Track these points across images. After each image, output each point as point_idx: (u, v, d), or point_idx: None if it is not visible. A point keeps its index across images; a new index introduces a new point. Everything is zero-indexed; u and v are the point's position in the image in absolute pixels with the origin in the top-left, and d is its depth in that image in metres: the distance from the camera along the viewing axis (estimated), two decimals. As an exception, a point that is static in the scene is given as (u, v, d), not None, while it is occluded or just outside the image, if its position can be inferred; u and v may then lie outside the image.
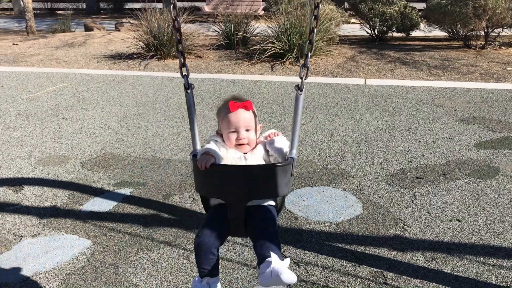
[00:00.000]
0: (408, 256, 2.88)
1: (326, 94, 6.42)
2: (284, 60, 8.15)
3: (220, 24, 9.84)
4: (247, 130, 2.07)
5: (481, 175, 3.91)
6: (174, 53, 8.83)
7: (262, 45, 8.26)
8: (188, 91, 2.03)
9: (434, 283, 2.63)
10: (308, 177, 3.92)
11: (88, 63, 8.88)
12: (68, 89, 6.89)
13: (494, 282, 2.63)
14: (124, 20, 13.77)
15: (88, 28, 13.57)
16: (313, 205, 3.49)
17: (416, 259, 2.85)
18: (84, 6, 20.48)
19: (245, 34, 9.36)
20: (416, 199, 3.55)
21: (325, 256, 2.89)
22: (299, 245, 3.01)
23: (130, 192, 3.74)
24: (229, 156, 2.05)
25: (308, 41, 1.97)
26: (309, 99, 6.12)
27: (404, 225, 3.22)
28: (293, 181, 2.13)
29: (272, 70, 7.96)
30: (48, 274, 2.75)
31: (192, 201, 3.57)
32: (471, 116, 5.38)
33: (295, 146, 2.01)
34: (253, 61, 8.32)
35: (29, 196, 3.69)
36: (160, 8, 9.57)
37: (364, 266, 2.79)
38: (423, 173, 3.96)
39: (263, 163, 2.08)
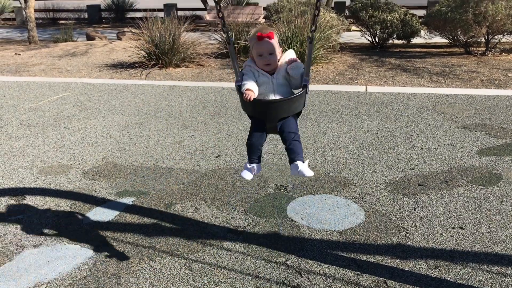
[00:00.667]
0: (411, 264, 2.87)
1: (327, 101, 6.43)
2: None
3: (221, 32, 9.87)
4: (270, 54, 2.58)
5: (483, 182, 3.90)
6: (175, 61, 8.87)
7: (263, 53, 8.28)
8: (230, 44, 2.62)
9: (437, 292, 2.62)
10: (310, 185, 3.91)
11: (90, 72, 8.91)
12: (70, 98, 6.91)
13: (497, 290, 2.62)
14: (125, 29, 13.85)
15: (90, 38, 13.64)
16: (315, 213, 3.49)
17: (419, 267, 2.84)
18: (86, 16, 20.59)
19: (246, 42, 9.39)
20: (419, 206, 3.55)
21: (328, 265, 2.88)
22: (301, 254, 3.00)
23: (132, 202, 3.74)
24: (261, 80, 2.60)
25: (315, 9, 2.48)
26: (310, 106, 6.13)
27: (407, 233, 3.21)
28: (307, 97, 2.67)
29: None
30: (50, 285, 2.74)
31: (193, 210, 3.57)
32: (472, 122, 5.38)
33: (309, 72, 2.60)
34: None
35: (31, 206, 3.69)
36: (161, 17, 9.62)
37: (367, 275, 2.78)
38: (425, 181, 3.96)
39: (285, 82, 2.63)
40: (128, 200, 3.76)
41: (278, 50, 2.64)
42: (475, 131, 5.10)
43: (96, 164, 4.48)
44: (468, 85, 7.20)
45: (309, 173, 2.58)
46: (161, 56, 8.79)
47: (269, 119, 2.61)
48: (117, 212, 3.58)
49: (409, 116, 5.67)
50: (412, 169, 4.19)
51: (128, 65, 9.17)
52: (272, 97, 2.60)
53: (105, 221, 3.46)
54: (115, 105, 6.48)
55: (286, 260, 2.93)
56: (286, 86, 2.64)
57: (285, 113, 2.60)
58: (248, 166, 2.70)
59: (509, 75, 7.72)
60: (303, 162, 2.61)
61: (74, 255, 3.02)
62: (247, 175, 2.68)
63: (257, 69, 2.63)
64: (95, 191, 3.92)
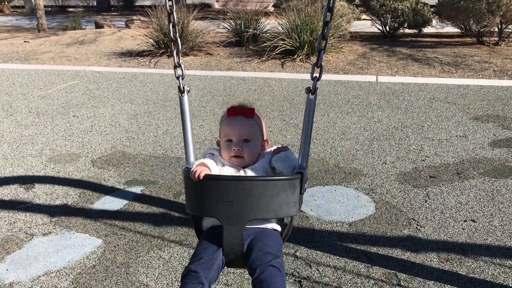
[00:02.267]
0: (422, 257, 2.83)
1: (337, 91, 6.37)
2: (295, 57, 8.10)
3: (230, 21, 9.80)
4: (245, 141, 1.86)
5: (496, 175, 3.84)
6: (184, 50, 8.82)
7: (272, 42, 8.22)
8: (183, 94, 1.88)
9: (449, 285, 2.58)
10: (319, 176, 3.88)
11: (98, 60, 8.89)
12: (79, 86, 6.91)
13: (511, 285, 2.58)
14: (134, 17, 13.80)
15: (98, 26, 13.62)
16: (324, 204, 3.45)
17: (430, 260, 2.80)
18: (95, 4, 20.55)
19: (255, 31, 9.32)
20: (430, 198, 3.50)
21: (338, 257, 2.86)
22: (311, 245, 2.97)
23: (141, 191, 3.72)
24: (226, 172, 1.85)
25: (321, 36, 1.73)
26: (320, 96, 6.07)
27: (418, 225, 3.17)
28: (302, 202, 1.86)
29: (282, 67, 7.92)
30: (59, 273, 2.74)
31: (202, 200, 3.55)
32: (485, 114, 5.30)
33: (305, 159, 1.79)
34: (263, 58, 8.27)
35: (40, 194, 3.69)
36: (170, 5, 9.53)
37: (377, 267, 2.75)
38: (437, 172, 3.91)
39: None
40: (137, 189, 3.75)
41: (258, 137, 1.91)
42: (488, 122, 5.03)
43: (105, 152, 4.47)
44: (480, 76, 7.09)
45: None
46: (170, 44, 8.73)
47: (234, 216, 1.67)
48: (126, 201, 3.57)
49: (420, 107, 5.60)
50: (423, 160, 4.14)
51: (136, 53, 9.14)
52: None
53: (113, 210, 3.45)
54: (123, 94, 6.46)
55: (296, 252, 2.91)
56: None
57: (259, 210, 1.69)
58: None
59: (523, 65, 7.59)
60: None
61: (83, 244, 3.02)
62: None
63: (221, 159, 1.91)
64: (104, 180, 3.91)
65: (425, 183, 3.73)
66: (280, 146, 1.93)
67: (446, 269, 2.72)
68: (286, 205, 1.74)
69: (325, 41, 1.74)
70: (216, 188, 1.69)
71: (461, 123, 5.03)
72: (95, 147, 4.61)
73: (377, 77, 7.14)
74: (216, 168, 1.84)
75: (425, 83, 6.65)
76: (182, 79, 1.89)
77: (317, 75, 1.75)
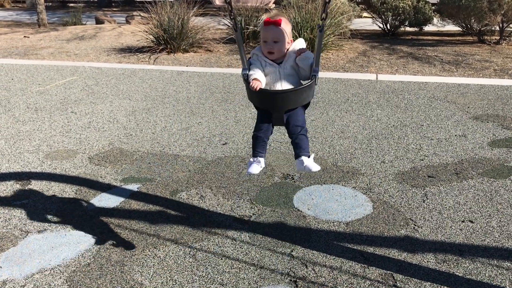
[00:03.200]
0: (419, 257, 2.82)
1: (337, 89, 6.34)
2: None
3: (229, 18, 9.75)
4: (275, 42, 2.47)
5: (495, 175, 3.82)
6: (184, 46, 8.79)
7: (272, 39, 8.17)
8: (237, 31, 2.50)
9: (445, 286, 2.56)
10: (317, 175, 3.86)
11: (98, 56, 8.86)
12: (78, 82, 6.88)
13: (508, 287, 2.56)
14: (134, 13, 13.75)
15: (99, 21, 13.57)
16: (322, 203, 3.43)
17: (427, 261, 2.78)
18: (95, -1, 20.49)
19: (255, 28, 9.28)
20: (428, 198, 3.48)
21: (334, 257, 2.84)
22: (307, 245, 2.95)
23: (137, 188, 3.70)
24: (268, 69, 2.52)
25: None
26: (319, 94, 6.05)
27: (415, 225, 3.15)
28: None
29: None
30: (53, 271, 2.73)
31: (199, 198, 3.53)
32: (485, 113, 5.27)
33: (319, 63, 2.47)
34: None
35: (37, 191, 3.67)
36: (171, 1, 9.52)
37: (374, 268, 2.73)
38: (435, 172, 3.88)
39: (293, 72, 2.54)
40: (133, 187, 3.73)
41: (287, 39, 2.51)
42: (487, 122, 5.00)
43: (102, 149, 4.45)
44: (481, 75, 7.06)
45: (315, 167, 2.52)
46: (170, 41, 8.71)
47: (276, 110, 2.52)
48: (122, 199, 3.55)
49: (420, 106, 5.57)
50: (422, 160, 4.12)
51: (136, 49, 9.11)
52: (279, 87, 2.51)
53: (110, 207, 3.43)
54: (122, 90, 6.43)
55: (292, 251, 2.89)
56: (294, 77, 2.54)
57: (292, 104, 2.51)
58: (253, 160, 2.61)
59: (523, 65, 7.56)
60: (309, 157, 2.54)
61: (78, 242, 3.00)
62: (255, 169, 2.59)
63: (264, 58, 2.53)
64: (101, 177, 3.90)
65: (423, 183, 3.71)
66: (301, 48, 2.53)
67: (443, 270, 2.71)
68: (307, 97, 2.54)
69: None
70: (267, 96, 2.49)
71: (460, 122, 5.00)
72: (93, 143, 4.59)
73: (377, 75, 7.10)
74: (263, 75, 2.50)
75: (425, 82, 6.62)
76: (234, 18, 2.50)
77: (325, 15, 2.37)
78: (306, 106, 2.65)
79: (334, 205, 3.41)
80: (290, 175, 3.86)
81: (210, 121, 5.15)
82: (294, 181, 3.75)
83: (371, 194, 3.56)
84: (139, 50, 9.04)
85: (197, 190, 3.65)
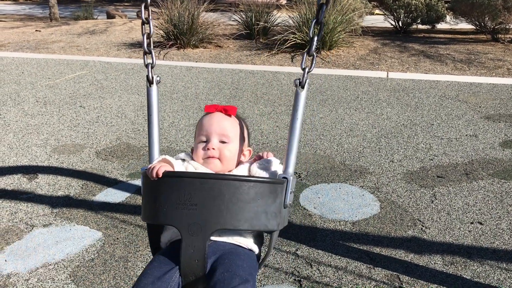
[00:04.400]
0: (426, 259, 2.77)
1: (347, 87, 6.28)
2: (305, 50, 7.98)
3: (241, 13, 9.73)
4: (222, 142, 1.61)
5: (505, 176, 3.75)
6: (193, 42, 8.77)
7: (282, 35, 8.14)
8: (152, 85, 1.63)
9: (452, 289, 2.52)
10: (324, 173, 3.82)
11: (108, 51, 8.88)
12: (87, 77, 6.89)
13: (516, 291, 2.51)
14: (145, 8, 13.75)
15: (110, 16, 13.61)
16: (328, 202, 3.40)
17: (434, 263, 2.74)
18: (107, -6, 20.55)
19: (266, 24, 9.24)
20: (436, 199, 3.43)
21: (339, 257, 2.80)
22: (312, 244, 2.92)
23: (143, 184, 3.69)
24: None
25: (314, 21, 1.58)
26: (328, 91, 5.99)
27: (423, 226, 3.10)
28: (288, 216, 1.60)
29: (292, 61, 7.84)
30: (57, 266, 2.72)
31: (205, 195, 3.51)
32: (496, 113, 5.19)
33: (291, 164, 1.50)
34: (273, 52, 8.20)
35: (43, 185, 3.68)
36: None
37: (379, 269, 2.69)
38: (445, 172, 3.83)
39: None
40: (139, 182, 3.72)
41: (237, 139, 1.64)
42: (499, 122, 4.92)
43: (110, 144, 4.45)
44: (494, 74, 6.96)
45: None
46: (180, 36, 8.70)
47: (198, 222, 1.35)
48: (128, 194, 3.54)
49: (431, 105, 5.50)
50: (431, 159, 4.06)
51: (146, 44, 9.10)
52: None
53: (115, 202, 3.43)
54: (131, 85, 6.43)
55: (297, 250, 2.86)
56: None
57: (234, 220, 1.37)
58: None
59: (538, 64, 7.43)
60: None
61: (83, 237, 3.00)
62: None
63: (195, 164, 1.61)
64: (107, 172, 3.89)
65: (432, 183, 3.66)
66: (261, 153, 1.66)
67: (450, 272, 2.66)
68: (264, 215, 1.41)
69: (319, 26, 1.56)
70: (177, 188, 1.38)
71: (471, 122, 4.93)
72: (100, 138, 4.59)
73: (387, 73, 7.03)
74: (182, 168, 1.57)
75: (437, 80, 6.54)
76: (152, 67, 1.65)
77: (309, 64, 1.58)
78: (260, 260, 1.58)
79: (340, 204, 3.37)
80: (297, 172, 3.83)
81: (218, 117, 5.13)
82: (301, 179, 3.72)
83: (378, 193, 3.52)
84: (149, 45, 9.03)
85: (203, 187, 3.63)
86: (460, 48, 8.64)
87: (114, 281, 2.60)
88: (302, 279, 2.60)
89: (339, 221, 3.17)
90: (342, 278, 2.61)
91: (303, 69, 1.57)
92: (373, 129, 4.76)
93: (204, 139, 1.62)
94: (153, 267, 1.40)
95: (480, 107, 5.39)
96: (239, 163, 1.66)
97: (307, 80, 1.56)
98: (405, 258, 2.78)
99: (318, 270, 2.68)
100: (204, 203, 1.36)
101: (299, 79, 1.56)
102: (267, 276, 2.63)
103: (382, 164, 3.99)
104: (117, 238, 2.98)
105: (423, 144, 4.37)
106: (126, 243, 2.93)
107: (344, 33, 8.40)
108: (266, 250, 1.61)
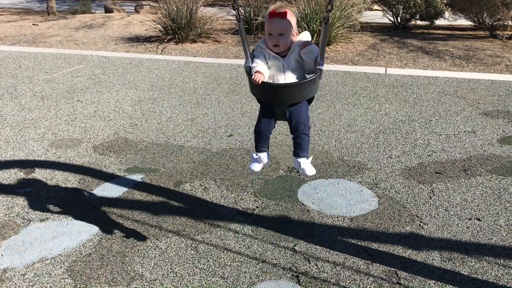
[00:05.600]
0: (424, 255, 2.77)
1: (345, 82, 6.27)
2: None
3: (240, 8, 9.66)
4: (280, 35, 2.39)
5: (503, 172, 3.75)
6: (192, 37, 8.73)
7: (281, 30, 8.08)
8: (240, 21, 2.41)
9: (450, 285, 2.52)
10: (322, 169, 3.81)
11: (106, 45, 8.84)
12: (85, 71, 6.86)
13: (514, 287, 2.51)
14: (144, 2, 13.69)
15: (108, 10, 13.54)
16: (326, 198, 3.39)
17: (432, 259, 2.74)
18: (105, -12, 20.42)
19: (264, 19, 9.18)
20: (434, 195, 3.42)
21: (337, 252, 2.80)
22: (310, 240, 2.92)
23: (141, 178, 3.68)
24: (271, 62, 2.44)
25: None
26: (327, 87, 5.98)
27: (421, 222, 3.10)
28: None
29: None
30: (54, 261, 2.71)
31: (203, 190, 3.50)
32: (495, 109, 5.18)
33: (323, 56, 2.39)
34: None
35: (40, 179, 3.66)
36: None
37: (377, 265, 2.69)
38: (443, 168, 3.82)
39: (297, 66, 2.45)
40: (137, 177, 3.70)
41: (292, 31, 2.44)
42: (497, 118, 4.92)
43: (107, 139, 4.43)
44: (492, 70, 6.95)
45: (310, 171, 2.54)
46: (178, 30, 8.66)
47: (278, 105, 2.45)
48: (125, 189, 3.53)
49: (429, 101, 5.49)
50: (430, 155, 4.05)
51: (144, 39, 9.07)
52: (282, 80, 2.43)
53: (113, 197, 3.42)
54: (129, 80, 6.40)
55: (295, 246, 2.86)
56: (298, 70, 2.46)
57: (296, 99, 2.44)
58: (256, 156, 2.56)
59: (536, 61, 7.43)
60: (307, 159, 2.53)
61: (80, 231, 2.99)
62: (256, 167, 2.57)
63: (268, 51, 2.46)
64: (105, 167, 3.87)
65: (430, 179, 3.65)
66: (306, 41, 2.44)
67: (448, 268, 2.66)
68: (311, 91, 2.45)
69: None
70: (269, 90, 2.42)
71: (470, 118, 4.92)
72: (98, 132, 4.57)
73: (386, 69, 7.02)
74: (266, 68, 2.43)
75: (435, 76, 6.53)
76: (240, 11, 2.44)
77: (330, 7, 2.25)
78: (310, 101, 2.57)
79: (339, 200, 3.37)
80: (295, 168, 3.81)
81: (216, 112, 5.11)
82: (299, 175, 3.71)
83: (377, 189, 3.51)
84: (147, 39, 9.00)
85: (201, 182, 3.62)
86: (459, 44, 8.63)
87: (111, 276, 2.59)
88: (300, 275, 2.60)
89: (337, 217, 3.16)
90: (340, 274, 2.61)
91: (327, 11, 2.25)
92: (371, 125, 4.75)
93: (270, 32, 2.41)
94: (264, 116, 2.51)
95: (478, 103, 5.39)
96: (291, 44, 2.44)
97: (329, 19, 2.29)
98: (403, 254, 2.78)
99: (316, 265, 2.67)
100: (283, 96, 2.41)
101: (325, 17, 2.27)
102: (264, 272, 2.62)
103: (381, 160, 3.99)
104: (115, 233, 2.97)
105: (422, 140, 4.37)
106: (123, 238, 2.92)
107: (343, 28, 8.37)
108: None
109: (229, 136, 4.49)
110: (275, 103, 2.45)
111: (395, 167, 3.85)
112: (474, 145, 4.25)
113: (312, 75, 2.44)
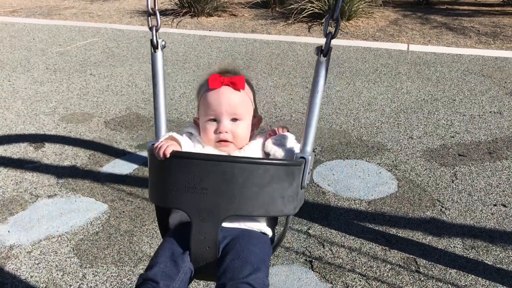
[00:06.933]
0: (445, 242, 2.63)
1: (366, 59, 6.04)
2: (323, 21, 7.72)
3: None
4: (233, 120, 1.49)
5: (531, 156, 3.56)
6: (208, 10, 8.53)
7: (300, 4, 7.84)
8: (157, 50, 1.50)
9: (472, 275, 2.38)
10: (340, 149, 3.66)
11: (121, 18, 8.69)
12: (99, 44, 6.74)
13: (541, 279, 2.37)
14: (160, -25, 13.45)
15: (123, -18, 13.34)
16: (343, 179, 3.25)
17: (454, 247, 2.59)
18: (122, -40, 20.18)
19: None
20: (457, 179, 3.26)
21: (353, 237, 2.67)
22: (325, 223, 2.79)
23: (152, 155, 3.58)
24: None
25: None
26: (346, 63, 5.77)
27: (442, 207, 2.94)
28: (303, 200, 1.48)
29: (309, 31, 7.57)
30: (61, 238, 2.64)
31: (215, 168, 3.38)
32: (523, 89, 4.93)
33: (309, 142, 1.39)
34: (290, 21, 7.93)
35: (49, 154, 3.58)
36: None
37: (395, 251, 2.56)
38: (466, 151, 3.64)
39: None
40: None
41: (250, 113, 1.52)
42: (526, 98, 4.68)
43: (119, 114, 4.33)
44: (520, 48, 6.63)
45: None
46: (194, 4, 8.45)
47: (209, 208, 1.29)
48: (136, 166, 3.44)
49: (453, 79, 5.25)
50: (453, 137, 3.87)
51: (160, 12, 8.88)
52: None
53: (122, 174, 3.33)
54: (143, 53, 6.27)
55: (309, 229, 2.74)
56: None
57: (248, 205, 1.31)
58: None
59: None
60: None
61: (88, 209, 2.91)
62: None
63: (201, 141, 1.53)
64: (116, 142, 3.78)
65: (453, 162, 3.48)
66: (278, 127, 1.53)
67: (471, 257, 2.51)
68: (281, 200, 1.33)
69: None
70: (186, 170, 1.29)
71: (496, 98, 4.69)
72: (110, 107, 4.47)
73: (408, 45, 6.75)
74: (190, 146, 1.47)
75: (460, 54, 6.26)
76: (157, 31, 1.51)
77: (332, 30, 1.43)
78: (273, 239, 1.49)
79: (356, 182, 3.23)
80: (311, 147, 3.66)
81: (230, 88, 4.96)
82: (316, 154, 3.57)
83: (396, 171, 3.36)
84: (162, 12, 8.81)
85: (213, 160, 3.51)
86: (485, 20, 8.27)
87: (119, 256, 2.51)
88: (313, 260, 2.48)
89: (354, 200, 3.03)
90: (356, 260, 2.49)
91: (326, 35, 1.43)
92: (392, 104, 4.56)
93: (212, 118, 1.50)
94: (164, 251, 1.36)
95: (505, 82, 5.14)
96: (250, 137, 1.56)
97: (331, 48, 1.41)
98: (422, 241, 2.65)
99: (331, 250, 2.56)
100: (216, 188, 1.27)
101: (321, 46, 1.41)
102: (276, 256, 2.51)
103: (401, 140, 3.81)
104: (123, 212, 2.89)
105: (444, 121, 4.17)
106: (132, 217, 2.84)
107: (364, 3, 8.08)
108: (281, 231, 1.50)
109: (243, 113, 4.35)
110: (198, 209, 1.29)
111: (416, 149, 3.68)
112: (500, 127, 4.04)
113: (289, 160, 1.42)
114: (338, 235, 2.69)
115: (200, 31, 7.69)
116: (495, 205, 2.96)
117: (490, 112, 4.36)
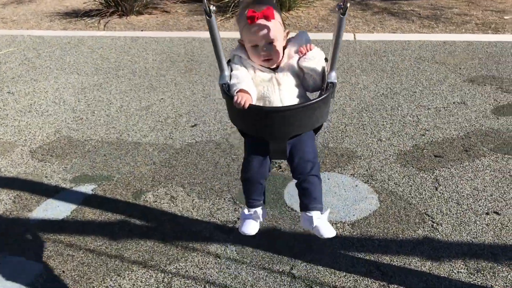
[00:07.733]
0: (447, 267, 2.31)
1: (313, 52, 5.70)
2: None
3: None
4: (270, 43, 1.75)
5: (508, 150, 3.33)
6: (137, 8, 7.87)
7: (236, -3, 7.38)
8: (212, 16, 1.70)
9: (486, 307, 2.08)
10: (307, 161, 3.27)
11: (39, 22, 7.83)
12: (15, 55, 5.95)
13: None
14: (79, -29, 12.47)
15: (39, -18, 12.25)
16: (318, 199, 2.86)
17: (458, 272, 2.28)
18: (35, -43, 18.73)
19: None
20: (440, 185, 2.97)
21: (344, 273, 2.30)
22: (309, 258, 2.40)
23: (92, 190, 3.02)
24: (259, 79, 1.78)
25: None
26: (295, 59, 5.39)
27: (433, 222, 2.63)
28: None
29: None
30: (-16, 322, 2.07)
31: (169, 200, 2.89)
32: (479, 75, 4.77)
33: (335, 68, 1.76)
34: (228, 15, 7.45)
35: (-37, 201, 2.94)
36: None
37: (395, 286, 2.21)
38: (442, 150, 3.37)
39: (296, 81, 1.79)
40: (87, 189, 3.04)
41: (281, 33, 1.77)
42: (484, 85, 4.51)
43: (47, 139, 3.71)
44: (463, 30, 6.56)
45: (328, 232, 1.81)
46: (121, 2, 7.75)
47: (274, 138, 1.72)
48: (73, 206, 2.87)
49: (407, 69, 5.02)
50: (423, 135, 3.59)
51: (83, 13, 8.09)
52: (278, 102, 1.74)
53: (58, 219, 2.76)
54: (69, 63, 5.57)
55: (292, 269, 2.33)
56: (297, 87, 1.79)
57: (299, 129, 1.74)
58: (247, 212, 1.85)
59: (505, 17, 7.11)
60: (322, 213, 1.83)
61: (16, 275, 2.33)
62: (250, 228, 1.84)
63: (251, 63, 1.79)
64: (46, 177, 3.18)
65: (430, 165, 3.19)
66: (304, 45, 1.79)
67: (479, 283, 2.21)
68: (321, 117, 1.78)
69: None
70: (260, 116, 1.70)
71: (455, 86, 4.49)
72: (35, 132, 3.83)
73: (354, 34, 6.49)
74: (252, 86, 1.74)
75: (408, 40, 6.06)
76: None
77: None
78: (316, 131, 1.89)
79: (333, 200, 2.85)
80: (275, 162, 3.25)
81: (174, 97, 4.44)
82: (282, 171, 3.16)
83: (373, 182, 3.02)
84: (87, 14, 8.03)
85: (166, 189, 3.01)
86: (423, 3, 8.19)
87: (62, 338, 1.98)
88: (305, 312, 2.08)
89: (336, 223, 2.65)
90: (354, 305, 2.11)
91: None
92: (351, 102, 4.23)
93: (254, 43, 1.75)
94: (253, 155, 1.79)
95: (460, 68, 4.97)
96: (284, 47, 1.81)
97: (348, 7, 1.60)
98: (422, 268, 2.31)
99: (323, 295, 2.16)
100: (280, 125, 1.69)
101: (341, 4, 1.59)
102: (261, 312, 2.08)
103: (370, 144, 3.49)
104: (63, 272, 2.35)
105: (410, 117, 3.90)
106: (75, 278, 2.30)
107: (302, -9, 7.74)
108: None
109: (192, 126, 3.85)
110: (270, 137, 1.72)
111: (388, 153, 3.36)
112: (468, 119, 3.82)
113: (321, 93, 1.78)
114: (327, 273, 2.30)
115: (131, 32, 7.03)
116: (487, 213, 2.69)
117: (454, 103, 4.13)
